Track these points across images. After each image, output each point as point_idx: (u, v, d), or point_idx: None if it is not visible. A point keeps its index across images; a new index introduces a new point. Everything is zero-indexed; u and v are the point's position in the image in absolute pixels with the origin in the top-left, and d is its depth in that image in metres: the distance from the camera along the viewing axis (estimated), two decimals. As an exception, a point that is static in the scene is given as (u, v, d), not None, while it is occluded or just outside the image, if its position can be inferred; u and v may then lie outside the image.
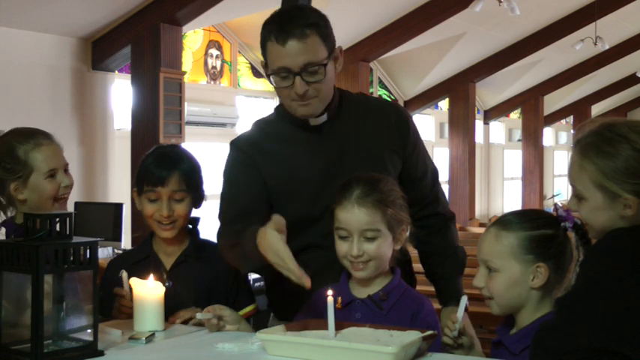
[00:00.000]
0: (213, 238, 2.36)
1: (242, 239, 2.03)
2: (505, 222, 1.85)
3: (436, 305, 2.18)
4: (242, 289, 2.39)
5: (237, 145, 2.27)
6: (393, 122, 2.26)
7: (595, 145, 1.61)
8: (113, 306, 2.24)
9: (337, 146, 2.20)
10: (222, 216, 2.24)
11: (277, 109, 2.29)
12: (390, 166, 2.22)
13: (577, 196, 1.66)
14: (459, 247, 2.41)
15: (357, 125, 2.23)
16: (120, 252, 5.89)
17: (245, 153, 2.24)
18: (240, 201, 2.21)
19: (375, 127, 2.24)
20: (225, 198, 2.25)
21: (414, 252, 2.38)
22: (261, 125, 2.31)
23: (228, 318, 2.05)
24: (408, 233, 2.08)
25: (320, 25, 2.09)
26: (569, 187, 1.72)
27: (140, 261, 2.31)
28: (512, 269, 1.81)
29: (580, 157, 1.63)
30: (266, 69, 2.14)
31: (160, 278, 2.14)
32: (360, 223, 1.99)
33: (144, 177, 2.30)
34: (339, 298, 2.04)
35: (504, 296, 1.83)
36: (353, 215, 1.99)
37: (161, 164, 2.31)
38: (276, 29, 2.07)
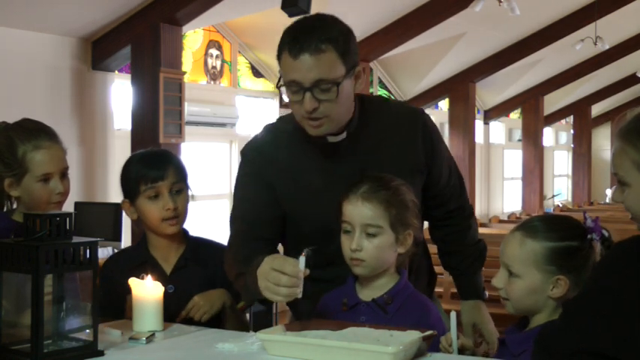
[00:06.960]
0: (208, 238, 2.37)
1: (247, 270, 1.97)
2: (531, 228, 1.83)
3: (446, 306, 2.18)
4: None
5: (245, 154, 2.20)
6: (418, 136, 2.18)
7: (636, 129, 1.58)
8: (109, 306, 2.23)
9: (356, 164, 2.11)
10: (231, 227, 2.19)
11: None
12: (410, 186, 2.12)
13: (620, 182, 1.60)
14: (480, 241, 2.40)
15: (378, 142, 2.15)
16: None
17: (253, 164, 2.17)
18: (248, 218, 2.15)
19: (398, 144, 2.16)
20: (235, 211, 2.19)
21: (432, 247, 2.39)
22: (275, 132, 2.20)
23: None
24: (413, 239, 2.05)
25: (338, 40, 1.96)
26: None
27: (138, 266, 2.28)
28: (532, 277, 1.80)
29: (622, 141, 1.59)
30: (279, 80, 2.01)
31: (161, 284, 2.13)
32: (362, 217, 1.99)
33: (138, 179, 2.29)
34: (345, 300, 2.04)
35: (521, 301, 1.83)
36: (356, 208, 1.99)
37: (153, 161, 2.31)
38: (290, 40, 1.95)
